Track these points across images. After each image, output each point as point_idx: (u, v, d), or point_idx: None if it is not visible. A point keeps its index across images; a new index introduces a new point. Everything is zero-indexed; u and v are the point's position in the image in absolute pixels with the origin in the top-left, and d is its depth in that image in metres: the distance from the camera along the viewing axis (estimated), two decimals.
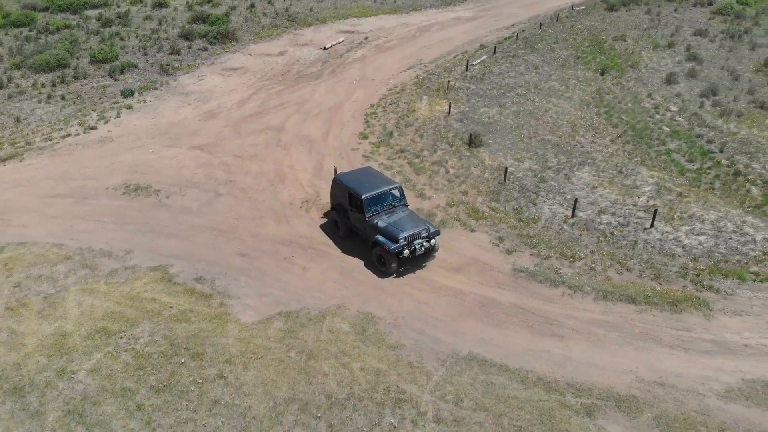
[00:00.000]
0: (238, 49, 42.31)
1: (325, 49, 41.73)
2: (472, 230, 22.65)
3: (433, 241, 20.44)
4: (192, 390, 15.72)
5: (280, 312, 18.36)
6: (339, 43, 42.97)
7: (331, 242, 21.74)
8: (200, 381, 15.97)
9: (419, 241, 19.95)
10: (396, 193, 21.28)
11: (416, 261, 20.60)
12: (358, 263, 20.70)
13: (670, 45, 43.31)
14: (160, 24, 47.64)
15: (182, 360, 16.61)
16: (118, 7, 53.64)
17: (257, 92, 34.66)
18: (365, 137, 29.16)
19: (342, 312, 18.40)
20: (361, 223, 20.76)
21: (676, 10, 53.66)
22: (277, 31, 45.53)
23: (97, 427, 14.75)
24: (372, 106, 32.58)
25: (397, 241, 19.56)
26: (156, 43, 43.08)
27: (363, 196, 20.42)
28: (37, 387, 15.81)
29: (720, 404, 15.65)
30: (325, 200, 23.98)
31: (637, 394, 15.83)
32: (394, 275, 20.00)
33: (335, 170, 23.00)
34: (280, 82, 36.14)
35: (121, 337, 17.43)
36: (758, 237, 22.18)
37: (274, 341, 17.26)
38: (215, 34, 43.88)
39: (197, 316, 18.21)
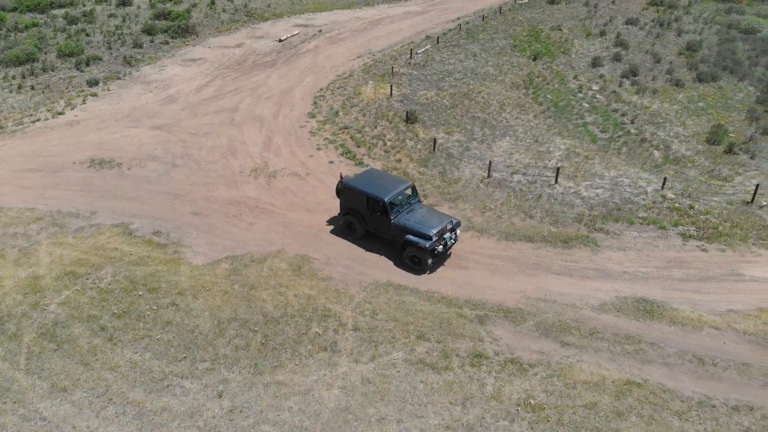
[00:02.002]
0: (198, 42, 44.92)
1: (280, 41, 44.56)
2: None
3: (458, 231, 21.43)
4: (148, 314, 18.52)
5: (227, 256, 21.22)
6: (294, 35, 45.84)
7: (276, 202, 24.62)
8: (155, 308, 18.77)
9: (448, 234, 20.75)
10: (410, 191, 21.92)
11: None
12: (298, 217, 23.62)
13: (602, 33, 46.91)
14: (124, 21, 49.95)
15: (140, 293, 19.38)
16: (84, 6, 55.71)
17: (214, 79, 37.38)
18: (313, 116, 32.11)
19: (282, 255, 21.32)
20: (385, 226, 21.08)
21: (613, 2, 57.36)
22: (236, 26, 48.24)
23: (67, 343, 17.46)
24: (321, 89, 35.53)
25: (430, 238, 20.10)
26: (120, 38, 45.45)
27: (385, 199, 20.65)
28: (14, 317, 18.43)
29: (594, 315, 18.91)
30: (273, 168, 26.88)
31: (523, 307, 19.03)
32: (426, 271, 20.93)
33: (341, 177, 23.05)
34: (236, 71, 38.90)
35: (87, 278, 20.11)
36: (649, 189, 25.63)
37: (221, 278, 20.12)
38: (176, 28, 46.42)
39: (154, 261, 20.98)
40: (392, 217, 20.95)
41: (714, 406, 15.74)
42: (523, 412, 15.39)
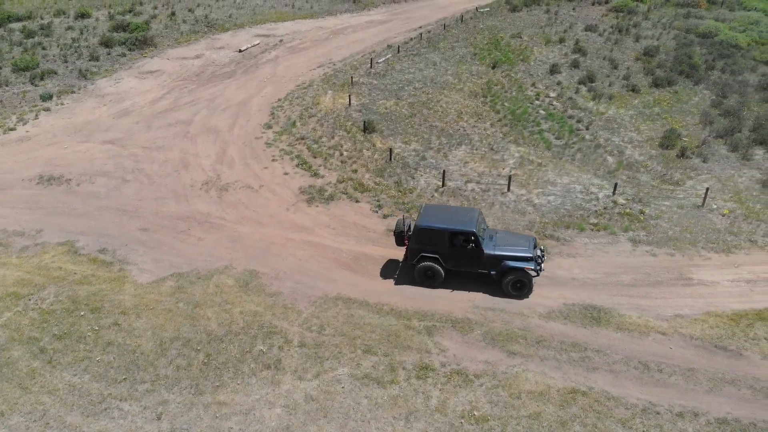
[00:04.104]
0: (156, 54, 44.40)
1: (240, 51, 44.24)
2: (357, 201, 25.54)
3: (541, 246, 20.97)
4: (89, 335, 18.04)
5: (173, 273, 20.81)
6: (254, 45, 45.56)
7: (226, 216, 24.26)
8: (97, 328, 18.30)
9: (538, 251, 20.13)
10: (482, 218, 20.67)
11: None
12: (249, 231, 23.30)
13: (561, 40, 47.41)
14: (82, 33, 49.21)
15: (82, 313, 18.90)
16: (42, 19, 54.82)
17: (170, 91, 36.91)
18: (269, 127, 31.83)
19: (229, 271, 20.98)
20: (474, 260, 19.78)
21: (574, 9, 58.08)
22: (196, 37, 47.81)
23: (5, 367, 16.92)
24: (279, 100, 35.29)
25: (533, 259, 19.43)
26: (76, 51, 44.73)
27: (474, 230, 19.40)
28: None
29: (541, 323, 18.89)
30: (225, 181, 26.54)
31: (471, 317, 18.94)
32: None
33: (404, 219, 20.91)
34: (193, 82, 38.48)
35: (29, 299, 19.57)
36: (601, 195, 25.81)
37: (165, 296, 19.71)
38: (134, 40, 45.85)
39: (98, 280, 20.50)
40: (485, 248, 19.65)
41: (658, 413, 15.76)
42: (467, 424, 15.25)
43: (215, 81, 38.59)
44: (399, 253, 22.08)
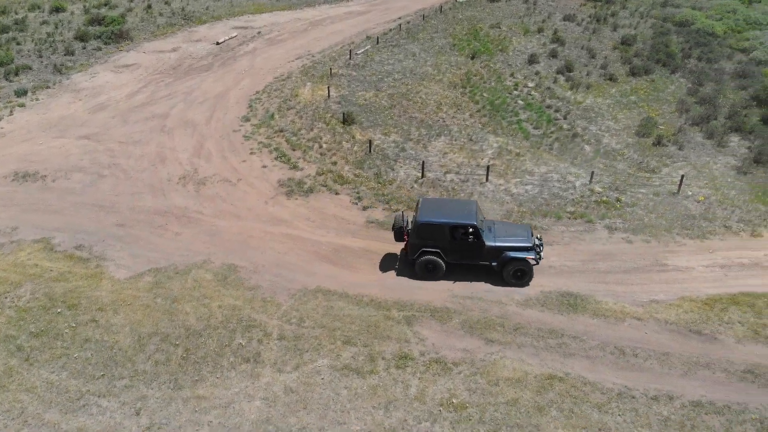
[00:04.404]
0: (133, 47, 43.84)
1: (217, 44, 43.82)
2: (337, 193, 25.51)
3: (538, 235, 21.34)
4: (66, 332, 17.89)
5: (151, 269, 20.68)
6: (232, 38, 45.15)
7: (204, 210, 24.12)
8: (74, 325, 18.15)
9: (537, 241, 20.41)
10: (478, 209, 20.76)
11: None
12: (227, 225, 23.19)
13: (540, 30, 47.55)
14: (57, 27, 48.40)
15: (59, 310, 18.73)
16: (16, 14, 53.82)
17: (147, 85, 36.50)
18: (247, 120, 31.63)
19: (207, 265, 20.89)
20: (475, 252, 19.95)
21: None
22: (172, 30, 47.27)
23: None
24: (257, 92, 35.05)
25: (533, 248, 19.81)
26: (51, 46, 44.01)
27: (475, 223, 19.57)
28: None
29: (518, 310, 19.07)
30: (203, 175, 26.35)
31: (450, 306, 19.07)
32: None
33: (403, 215, 21.00)
34: (170, 75, 38.07)
35: (6, 297, 19.33)
36: (578, 183, 26.03)
37: (143, 291, 19.59)
38: (110, 34, 45.21)
39: (75, 276, 20.30)
40: (486, 240, 19.82)
41: (634, 397, 16.02)
42: (446, 412, 15.39)
43: (192, 74, 38.22)
44: (378, 245, 22.13)
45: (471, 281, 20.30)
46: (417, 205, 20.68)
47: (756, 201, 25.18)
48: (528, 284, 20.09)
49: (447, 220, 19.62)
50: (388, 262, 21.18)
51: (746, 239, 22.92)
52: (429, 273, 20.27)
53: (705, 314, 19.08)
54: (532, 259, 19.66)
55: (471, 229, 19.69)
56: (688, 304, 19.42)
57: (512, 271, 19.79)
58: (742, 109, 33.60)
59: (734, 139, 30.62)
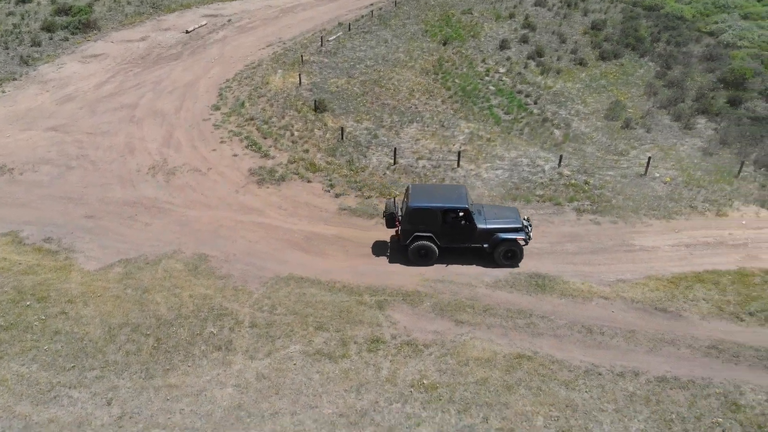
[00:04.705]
0: (100, 37, 43.14)
1: (187, 32, 43.30)
2: (309, 181, 25.50)
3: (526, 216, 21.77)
4: (36, 325, 17.73)
5: (121, 260, 20.54)
6: (202, 26, 44.63)
7: (174, 200, 23.97)
8: (44, 318, 17.99)
9: (525, 222, 20.78)
10: (468, 193, 20.97)
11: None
12: (197, 215, 23.08)
13: (511, 15, 47.74)
14: (23, 19, 47.37)
15: (28, 303, 18.54)
16: None
17: (115, 75, 35.99)
18: (217, 108, 31.39)
19: (177, 255, 20.80)
20: (467, 235, 20.19)
21: None
22: (141, 18, 46.57)
23: None
24: (227, 80, 34.77)
25: (522, 229, 20.16)
26: (17, 37, 43.09)
27: (466, 206, 19.83)
28: None
29: (488, 292, 19.33)
30: (172, 165, 26.14)
31: (422, 289, 19.26)
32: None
33: (394, 201, 21.29)
34: (139, 65, 37.57)
35: None
36: (547, 167, 26.34)
37: (113, 282, 19.47)
38: (77, 24, 44.40)
39: (44, 269, 20.09)
40: (477, 223, 20.09)
41: (600, 374, 16.37)
42: (417, 392, 15.60)
43: (161, 63, 37.76)
44: (350, 232, 22.23)
45: (447, 265, 20.51)
46: (406, 191, 20.81)
47: (721, 181, 25.70)
48: (518, 265, 20.42)
49: (439, 205, 19.80)
50: (359, 249, 21.28)
51: (711, 219, 23.42)
52: (422, 258, 20.43)
53: (670, 292, 19.51)
54: (522, 239, 20.00)
55: (463, 213, 19.90)
56: (653, 283, 19.84)
57: (503, 252, 20.12)
58: (709, 92, 34.16)
59: (701, 121, 31.16)
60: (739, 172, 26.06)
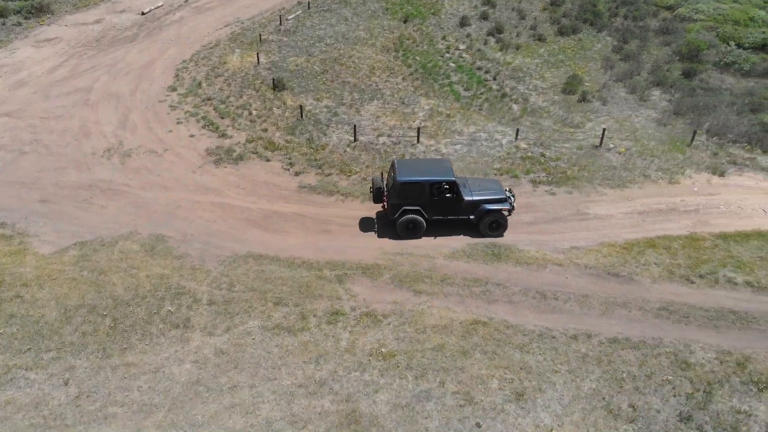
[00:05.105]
0: (54, 21, 42.00)
1: (143, 14, 42.40)
2: (268, 160, 25.41)
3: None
4: None
5: (76, 242, 20.31)
6: (158, 7, 43.74)
7: (130, 182, 23.68)
8: None
9: (508, 193, 21.15)
10: (452, 166, 21.20)
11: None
12: (153, 196, 22.87)
13: None
14: None
15: None
16: None
17: (69, 59, 35.18)
18: (174, 89, 30.96)
19: (134, 236, 20.64)
20: (454, 207, 20.49)
21: None
22: (95, 1, 45.38)
23: None
24: (184, 61, 34.26)
25: (507, 199, 20.58)
26: None
27: (454, 179, 20.09)
28: None
29: (446, 263, 19.61)
30: (128, 147, 25.79)
31: (381, 262, 19.46)
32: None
33: (382, 176, 21.78)
34: (93, 48, 36.76)
35: None
36: (504, 141, 26.65)
37: (69, 265, 19.25)
38: (29, 8, 43.14)
39: None
40: (464, 195, 20.39)
41: (554, 337, 16.80)
42: (375, 360, 15.85)
43: (116, 46, 37.00)
44: (310, 209, 22.29)
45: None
46: (392, 166, 20.97)
47: (674, 150, 26.32)
48: (503, 235, 20.79)
49: (427, 178, 20.00)
50: (319, 226, 21.36)
51: (664, 187, 24.01)
52: (410, 232, 20.68)
53: (623, 257, 20.03)
54: (506, 209, 20.45)
55: (451, 185, 20.19)
56: (607, 249, 20.33)
57: (488, 223, 20.48)
58: (664, 65, 34.78)
59: (656, 93, 31.76)
60: (692, 141, 26.68)
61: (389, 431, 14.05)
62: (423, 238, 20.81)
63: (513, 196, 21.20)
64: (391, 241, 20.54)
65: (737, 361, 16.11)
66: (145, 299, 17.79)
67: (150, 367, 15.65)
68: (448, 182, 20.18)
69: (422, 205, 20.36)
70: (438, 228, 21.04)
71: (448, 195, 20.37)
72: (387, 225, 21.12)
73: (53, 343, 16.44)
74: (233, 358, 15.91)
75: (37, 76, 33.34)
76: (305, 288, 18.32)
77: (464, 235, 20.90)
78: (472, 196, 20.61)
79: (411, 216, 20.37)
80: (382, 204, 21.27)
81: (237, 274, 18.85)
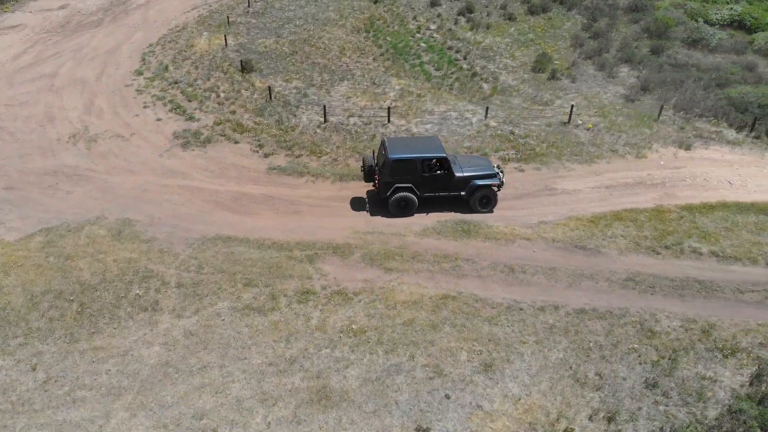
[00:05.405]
0: (17, 7, 41.05)
1: None
2: (236, 142, 25.19)
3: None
4: None
5: (42, 229, 20.00)
6: None
7: (96, 167, 23.35)
8: None
9: (497, 169, 21.30)
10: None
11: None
12: (120, 180, 22.59)
13: None
14: None
15: None
16: None
17: (33, 45, 34.44)
18: (140, 74, 30.48)
19: (100, 221, 20.39)
20: (444, 183, 20.65)
21: None
22: None
23: None
24: (151, 45, 33.73)
25: (496, 175, 20.79)
26: None
27: (446, 155, 20.25)
28: None
29: (416, 240, 19.70)
30: (94, 132, 25.40)
31: (352, 241, 19.48)
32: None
33: (374, 154, 21.81)
34: (58, 34, 36.02)
35: None
36: (474, 119, 26.73)
37: (34, 251, 18.97)
38: None
39: None
40: (455, 171, 20.56)
41: (522, 309, 17.01)
42: (345, 337, 15.92)
43: (82, 31, 36.28)
44: (280, 191, 22.20)
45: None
46: (382, 144, 20.93)
47: (641, 125, 26.63)
48: (493, 210, 21.04)
49: (419, 155, 20.08)
50: (289, 207, 21.30)
51: (631, 161, 24.32)
52: (402, 210, 20.79)
53: (590, 231, 20.29)
54: (496, 185, 20.69)
55: (443, 162, 20.33)
56: (574, 223, 20.58)
57: (479, 198, 20.70)
58: (633, 42, 35.04)
59: (624, 70, 32.04)
60: (659, 116, 27.02)
61: (359, 405, 14.16)
62: (405, 217, 20.93)
63: (502, 172, 21.38)
64: (362, 220, 20.55)
65: (702, 328, 16.45)
66: (113, 283, 17.63)
67: (118, 351, 15.55)
68: (439, 158, 20.30)
69: (414, 182, 20.46)
70: (429, 205, 21.14)
71: (439, 171, 20.53)
72: (361, 204, 21.14)
73: (20, 329, 16.24)
74: (202, 339, 15.87)
75: (1, 63, 32.61)
76: (275, 269, 18.29)
77: (455, 211, 21.04)
78: (462, 172, 20.78)
79: (403, 193, 20.45)
80: (373, 183, 21.22)
81: (206, 257, 18.75)
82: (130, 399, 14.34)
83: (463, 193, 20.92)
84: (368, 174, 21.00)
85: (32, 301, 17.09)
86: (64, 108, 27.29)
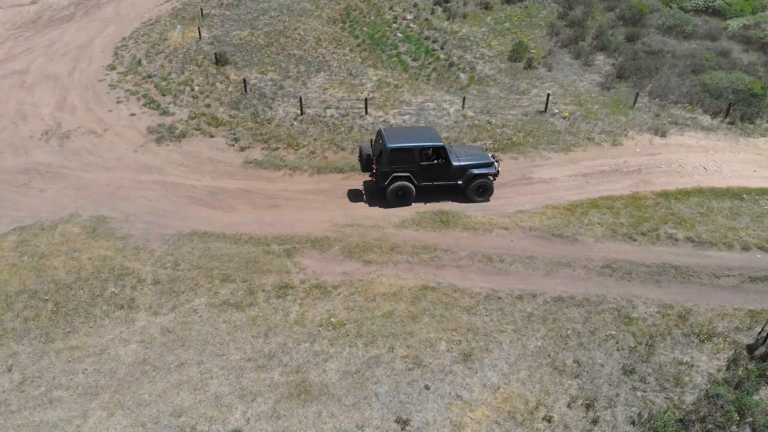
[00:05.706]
0: None
1: None
2: (212, 136, 24.94)
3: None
4: None
5: (15, 228, 19.67)
6: None
7: (69, 164, 22.99)
8: None
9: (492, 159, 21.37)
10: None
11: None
12: (94, 177, 22.26)
13: None
14: None
15: None
16: None
17: (3, 42, 33.76)
18: (113, 68, 30.02)
19: (74, 219, 20.09)
20: (442, 172, 20.72)
21: None
22: None
23: None
24: (123, 39, 33.22)
25: (492, 164, 20.90)
26: None
27: (443, 144, 20.42)
28: None
29: (395, 232, 19.68)
30: (66, 128, 24.98)
31: (331, 234, 19.41)
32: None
33: (371, 143, 21.73)
34: (29, 29, 35.35)
35: None
36: (452, 110, 26.72)
37: (8, 251, 18.65)
38: None
39: None
40: (452, 160, 20.63)
41: (500, 298, 17.09)
42: (325, 331, 15.88)
43: (53, 26, 35.62)
44: (257, 184, 22.04)
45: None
46: (379, 134, 20.89)
47: (617, 113, 26.82)
48: (489, 199, 21.17)
49: (417, 144, 20.15)
50: (266, 201, 21.16)
51: (607, 149, 24.49)
52: (400, 199, 20.81)
53: (567, 219, 20.42)
54: (492, 173, 20.81)
55: (440, 150, 20.42)
56: (551, 211, 20.69)
57: (476, 187, 20.77)
58: (608, 29, 35.21)
59: (599, 58, 32.21)
60: (635, 103, 27.23)
61: (339, 398, 14.15)
62: (403, 206, 21.02)
63: (498, 161, 21.49)
64: (341, 213, 20.48)
65: (679, 314, 16.63)
66: (88, 282, 17.40)
67: (95, 350, 15.37)
68: (436, 147, 20.36)
69: (412, 172, 20.51)
70: (426, 194, 21.18)
71: (436, 161, 20.59)
72: (339, 196, 21.07)
73: None
74: (180, 336, 15.74)
75: None
76: (253, 263, 18.17)
77: (452, 201, 21.14)
78: (459, 161, 20.88)
79: (402, 183, 20.48)
80: (370, 173, 21.18)
81: (182, 253, 18.57)
82: (107, 398, 14.19)
83: (460, 182, 20.99)
84: (365, 164, 20.95)
85: (6, 301, 16.81)
86: (36, 105, 26.81)
